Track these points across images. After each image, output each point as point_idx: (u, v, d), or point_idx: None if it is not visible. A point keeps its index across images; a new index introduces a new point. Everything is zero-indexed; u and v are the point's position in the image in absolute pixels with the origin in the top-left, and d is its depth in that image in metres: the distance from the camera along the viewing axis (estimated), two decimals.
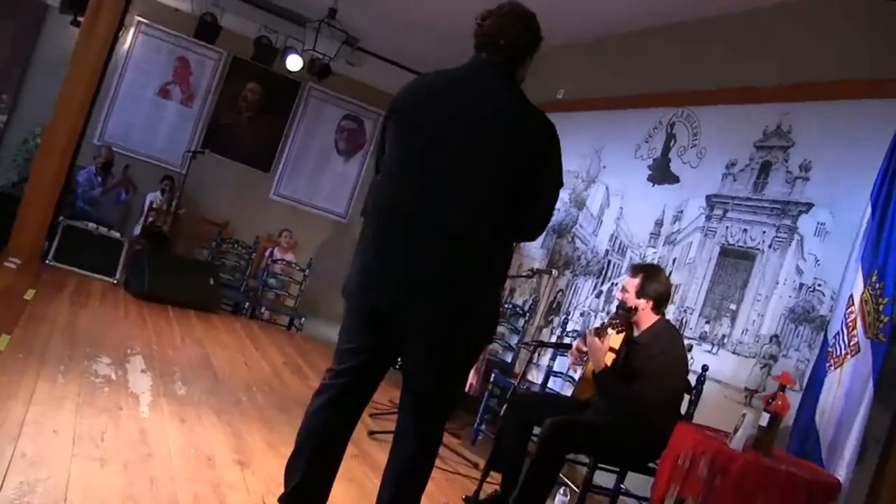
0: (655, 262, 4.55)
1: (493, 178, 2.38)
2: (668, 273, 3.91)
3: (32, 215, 6.11)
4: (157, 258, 6.49)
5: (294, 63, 8.49)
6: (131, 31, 9.24)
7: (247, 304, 7.48)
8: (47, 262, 6.28)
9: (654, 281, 3.52)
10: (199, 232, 9.45)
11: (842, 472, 2.91)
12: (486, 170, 2.38)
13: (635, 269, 3.63)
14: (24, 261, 5.95)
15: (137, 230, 8.40)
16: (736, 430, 2.89)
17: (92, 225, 6.74)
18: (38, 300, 4.97)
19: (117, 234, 6.94)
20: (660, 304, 3.52)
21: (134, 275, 6.27)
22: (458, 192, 2.36)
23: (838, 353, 3.04)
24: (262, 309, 7.69)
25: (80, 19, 6.46)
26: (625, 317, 3.55)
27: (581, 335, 3.81)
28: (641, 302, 3.51)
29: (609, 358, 3.50)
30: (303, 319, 7.58)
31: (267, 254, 8.18)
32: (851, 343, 3.01)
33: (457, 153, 2.36)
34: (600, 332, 3.54)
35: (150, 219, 8.26)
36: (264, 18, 8.16)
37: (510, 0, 2.49)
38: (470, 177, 2.37)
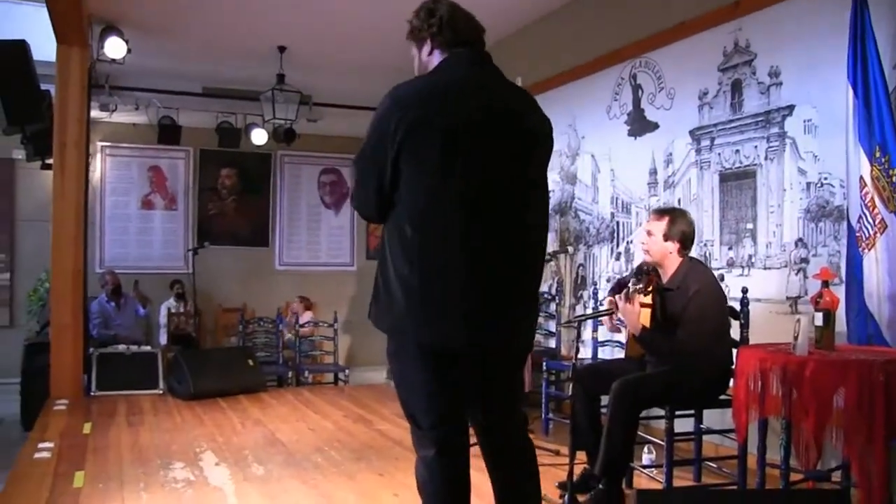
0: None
1: (544, 185, 2.36)
2: None
3: (65, 355, 6.11)
4: (192, 358, 6.48)
5: (259, 137, 8.53)
6: (98, 157, 9.31)
7: (289, 374, 7.48)
8: (92, 394, 6.26)
9: (679, 222, 3.49)
10: (222, 322, 9.49)
11: None
12: (539, 184, 2.34)
13: (660, 212, 3.58)
14: (71, 399, 5.93)
15: (163, 339, 8.43)
16: (796, 337, 2.87)
17: (122, 347, 6.76)
18: (97, 431, 4.95)
19: (148, 348, 6.96)
20: (686, 245, 3.49)
21: (177, 380, 6.26)
22: (526, 213, 2.27)
23: (867, 234, 3.04)
24: (306, 374, 7.67)
25: (49, 161, 6.49)
26: (646, 279, 3.52)
27: (612, 291, 3.77)
28: (668, 244, 3.48)
29: (645, 316, 3.46)
30: (346, 371, 7.57)
31: (293, 321, 8.15)
32: (877, 221, 3.01)
33: (519, 170, 2.24)
34: (628, 297, 3.50)
35: (174, 324, 8.29)
36: (219, 105, 8.22)
37: None
38: (532, 195, 2.30)
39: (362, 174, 2.22)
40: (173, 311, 8.55)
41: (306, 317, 8.58)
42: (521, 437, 2.39)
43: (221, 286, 9.59)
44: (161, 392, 6.46)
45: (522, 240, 2.26)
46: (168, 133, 8.19)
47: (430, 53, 2.30)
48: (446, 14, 2.27)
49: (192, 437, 4.83)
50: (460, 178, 2.13)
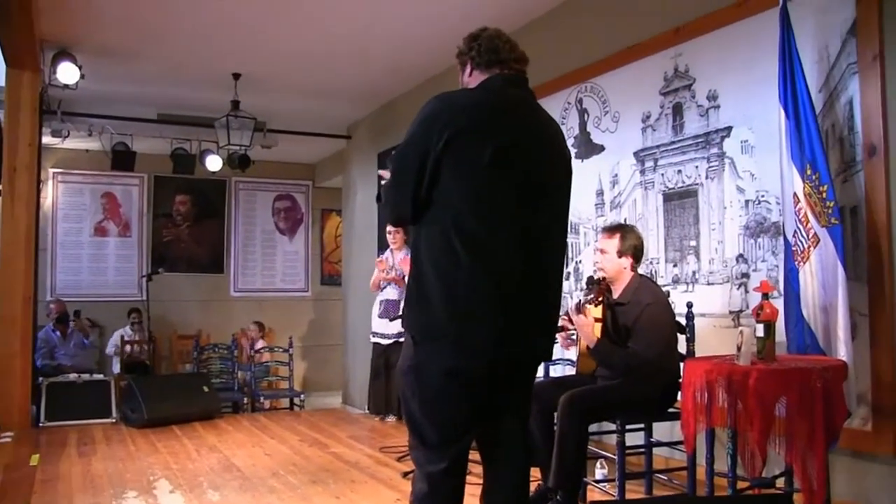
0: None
1: (568, 213, 2.44)
2: None
3: (12, 385, 5.92)
4: (146, 385, 6.36)
5: (214, 163, 8.46)
6: (50, 183, 9.15)
7: (245, 399, 7.38)
8: (40, 425, 6.09)
9: (630, 237, 3.58)
10: (177, 349, 9.35)
11: (843, 352, 2.97)
12: (566, 205, 2.40)
13: (610, 230, 3.67)
14: (18, 431, 5.75)
15: (116, 367, 8.25)
16: (739, 349, 2.94)
17: (73, 375, 6.61)
18: (46, 463, 4.81)
19: (101, 375, 6.81)
20: (638, 259, 3.59)
21: (130, 408, 6.13)
22: (555, 231, 2.32)
23: (802, 248, 3.13)
24: (261, 399, 7.58)
25: None
26: (597, 288, 3.59)
27: (564, 315, 3.83)
28: (623, 260, 3.56)
29: (598, 329, 3.53)
30: (302, 396, 7.51)
31: (248, 346, 8.06)
32: (810, 236, 3.10)
33: (552, 189, 2.29)
34: (580, 309, 3.57)
35: (127, 352, 8.13)
36: (174, 131, 8.14)
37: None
38: (560, 213, 2.36)
39: (401, 170, 2.20)
40: (127, 338, 8.38)
41: (261, 343, 8.52)
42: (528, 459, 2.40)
43: (176, 313, 9.46)
44: (114, 420, 6.32)
45: (556, 259, 2.33)
46: (122, 159, 8.07)
47: (470, 75, 2.38)
48: (486, 39, 2.36)
49: (145, 464, 4.72)
50: (509, 187, 2.16)
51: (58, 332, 7.90)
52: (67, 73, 5.98)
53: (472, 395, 2.20)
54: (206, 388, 6.63)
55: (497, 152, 2.14)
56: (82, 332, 8.23)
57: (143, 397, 6.04)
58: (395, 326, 5.88)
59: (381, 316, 6.15)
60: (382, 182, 2.42)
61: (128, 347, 8.19)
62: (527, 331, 2.21)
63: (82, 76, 6.06)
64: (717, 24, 3.87)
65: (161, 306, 8.85)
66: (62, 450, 5.22)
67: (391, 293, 6.07)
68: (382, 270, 6.09)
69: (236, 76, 6.73)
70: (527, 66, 2.41)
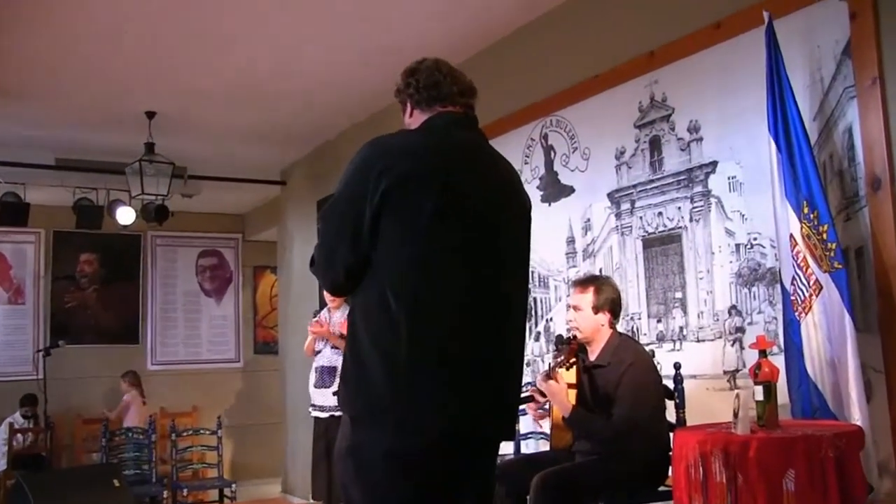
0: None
1: (528, 266, 2.42)
2: None
3: None
4: (40, 483, 6.04)
5: (126, 216, 8.21)
6: None
7: (164, 493, 7.12)
8: None
9: (605, 290, 3.58)
10: (82, 435, 9.05)
11: (857, 416, 2.94)
12: (525, 259, 2.38)
13: (582, 283, 3.66)
14: None
15: (3, 463, 7.89)
16: (736, 415, 2.89)
17: None
18: None
19: None
20: (616, 314, 3.59)
21: None
22: (512, 288, 2.29)
23: (802, 297, 3.11)
24: (184, 492, 7.32)
25: None
26: (567, 349, 3.56)
27: (533, 385, 3.79)
28: (599, 317, 3.54)
29: (572, 395, 3.49)
30: (233, 486, 7.27)
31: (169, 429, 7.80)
32: (811, 283, 3.09)
33: (507, 241, 2.28)
34: (550, 374, 3.53)
35: (18, 443, 7.80)
36: (77, 179, 7.96)
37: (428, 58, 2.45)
38: (518, 269, 2.34)
39: (332, 232, 2.19)
40: (17, 426, 8.05)
41: (128, 397, 8.34)
42: None
43: (81, 393, 9.17)
44: None
45: (515, 320, 2.29)
46: (12, 212, 7.82)
47: (411, 115, 2.37)
48: (424, 74, 2.34)
49: None
50: (456, 243, 2.14)
51: None
52: None
53: (419, 481, 2.14)
54: (116, 483, 6.35)
55: (441, 202, 2.12)
56: None
57: (35, 498, 5.75)
58: (334, 397, 5.73)
59: (317, 385, 5.99)
60: None
61: (18, 437, 7.84)
62: (482, 404, 2.17)
63: None
64: (695, 46, 3.91)
65: (62, 385, 8.54)
66: None
67: (327, 357, 5.93)
68: (315, 332, 5.95)
69: (150, 115, 6.63)
70: (475, 98, 2.40)
